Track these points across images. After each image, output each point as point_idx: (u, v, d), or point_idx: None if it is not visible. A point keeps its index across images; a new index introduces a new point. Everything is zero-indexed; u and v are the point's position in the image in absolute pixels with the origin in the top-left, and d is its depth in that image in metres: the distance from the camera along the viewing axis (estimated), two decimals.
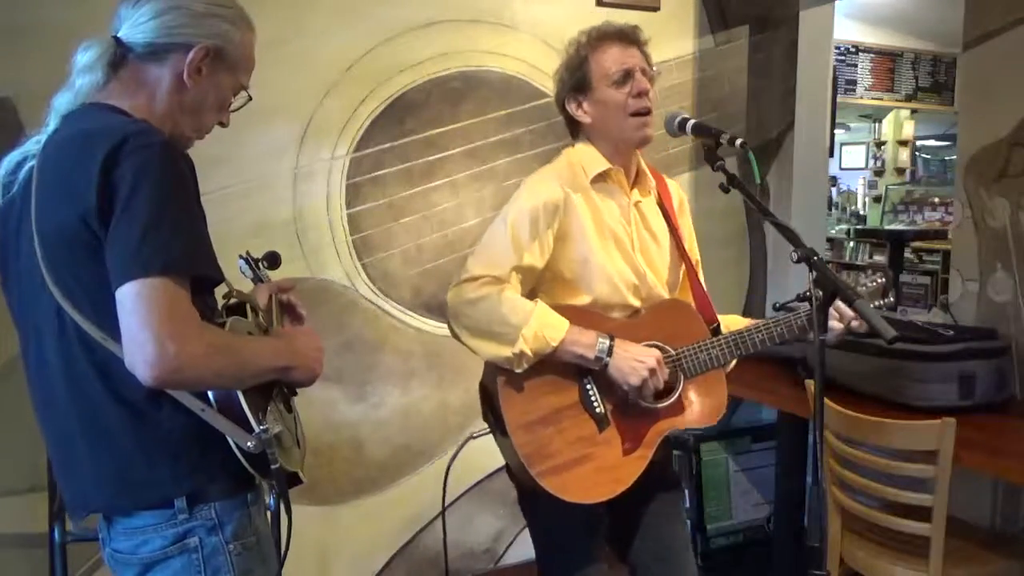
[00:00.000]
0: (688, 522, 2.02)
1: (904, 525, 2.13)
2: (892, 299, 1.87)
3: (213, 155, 2.48)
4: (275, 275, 1.74)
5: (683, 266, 1.88)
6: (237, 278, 1.58)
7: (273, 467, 1.22)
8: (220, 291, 1.48)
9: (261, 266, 1.70)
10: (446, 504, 2.94)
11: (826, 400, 2.10)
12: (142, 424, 1.22)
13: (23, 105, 2.24)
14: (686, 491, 3.25)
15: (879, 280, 1.86)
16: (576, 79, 1.76)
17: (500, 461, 1.82)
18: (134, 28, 1.27)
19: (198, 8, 1.28)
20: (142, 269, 1.11)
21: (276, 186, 2.65)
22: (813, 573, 1.38)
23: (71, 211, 1.15)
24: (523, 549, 3.06)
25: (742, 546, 3.32)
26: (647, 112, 1.73)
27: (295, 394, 1.43)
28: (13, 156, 1.29)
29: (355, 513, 2.83)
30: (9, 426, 2.31)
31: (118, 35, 1.29)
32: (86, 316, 1.19)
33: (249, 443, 1.21)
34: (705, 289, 1.89)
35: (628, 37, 1.76)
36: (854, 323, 1.73)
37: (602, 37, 1.76)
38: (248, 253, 1.70)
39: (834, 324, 1.75)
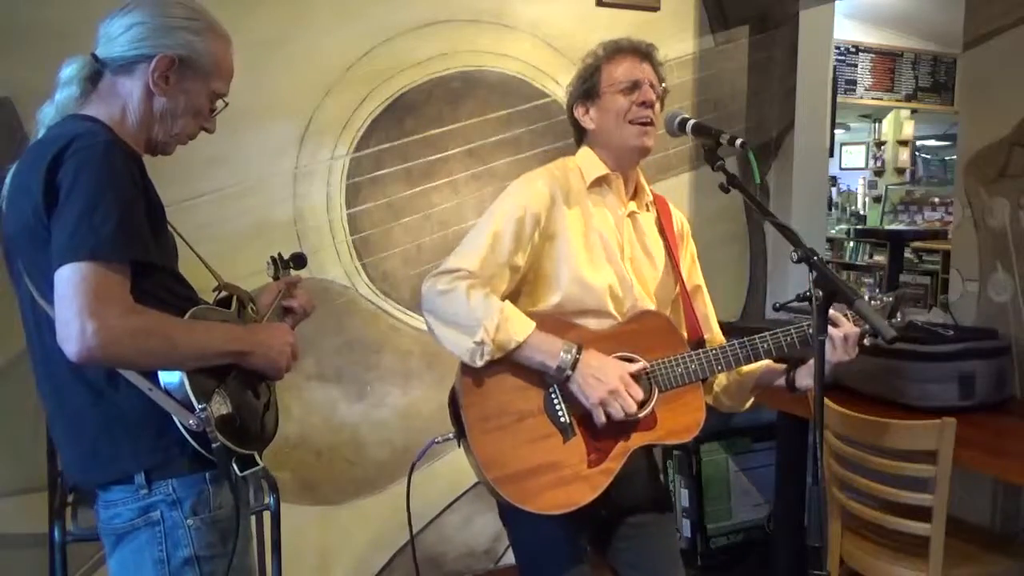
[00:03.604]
0: (677, 540, 1.94)
1: (904, 525, 2.13)
2: (900, 319, 1.73)
3: (213, 155, 2.48)
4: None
5: (677, 288, 1.84)
6: (237, 276, 1.60)
7: (214, 445, 1.30)
8: (211, 284, 1.56)
9: (288, 266, 1.80)
10: (449, 503, 2.95)
11: (826, 400, 2.10)
12: (103, 404, 1.31)
13: (23, 105, 2.24)
14: (681, 493, 3.26)
15: (886, 299, 1.72)
16: (586, 87, 1.77)
17: None
18: (108, 44, 1.38)
19: (162, 21, 1.38)
20: (73, 254, 1.20)
21: (276, 186, 2.65)
22: (813, 573, 1.37)
23: (27, 207, 1.27)
24: None
25: (742, 546, 3.32)
26: (648, 122, 1.72)
27: (262, 380, 1.49)
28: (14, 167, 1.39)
29: (355, 513, 2.84)
30: (9, 426, 2.31)
31: (95, 52, 1.39)
32: (49, 303, 1.27)
33: (190, 421, 1.29)
34: (700, 313, 1.85)
35: (642, 53, 1.77)
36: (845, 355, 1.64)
37: (617, 50, 1.77)
38: (279, 254, 1.80)
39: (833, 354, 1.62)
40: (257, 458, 1.41)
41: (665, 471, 3.32)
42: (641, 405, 1.65)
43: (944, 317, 2.87)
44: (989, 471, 2.32)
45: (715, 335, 1.89)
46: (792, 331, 1.67)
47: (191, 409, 1.29)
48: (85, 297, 1.19)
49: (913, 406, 2.39)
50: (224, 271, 1.61)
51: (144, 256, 1.29)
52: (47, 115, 1.39)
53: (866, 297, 1.69)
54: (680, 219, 1.92)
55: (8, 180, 1.37)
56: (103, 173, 1.24)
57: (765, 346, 1.68)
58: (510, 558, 3.08)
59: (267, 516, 2.30)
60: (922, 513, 2.09)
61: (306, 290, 1.75)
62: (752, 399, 1.86)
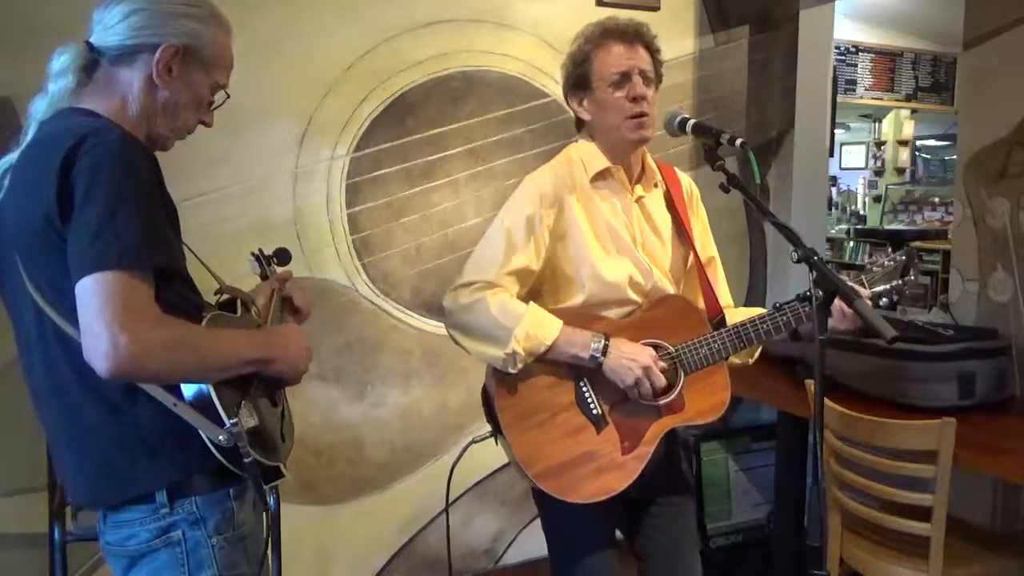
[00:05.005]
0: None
1: (904, 525, 2.13)
2: (913, 276, 1.76)
3: (213, 155, 2.48)
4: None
5: (691, 258, 1.86)
6: (236, 276, 1.59)
7: (246, 460, 1.23)
8: (213, 287, 1.51)
9: (272, 262, 1.73)
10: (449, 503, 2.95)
11: (826, 400, 2.10)
12: (120, 420, 1.24)
13: (23, 105, 2.23)
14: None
15: (898, 258, 1.76)
16: (577, 75, 1.76)
17: (500, 461, 1.82)
18: (105, 32, 1.30)
19: (165, 9, 1.30)
20: (96, 263, 1.13)
21: (276, 186, 2.65)
22: (813, 573, 1.38)
23: (36, 210, 1.18)
24: (523, 549, 3.06)
25: (742, 546, 3.32)
26: (643, 115, 1.72)
27: (278, 387, 1.44)
28: (1, 164, 1.33)
29: (355, 513, 2.83)
30: (9, 426, 2.31)
31: (90, 40, 1.31)
32: (60, 313, 1.20)
33: (220, 436, 1.22)
34: (714, 283, 1.87)
35: (631, 35, 1.73)
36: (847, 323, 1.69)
37: (606, 34, 1.73)
38: (260, 250, 1.73)
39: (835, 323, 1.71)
40: (283, 469, 1.35)
41: None
42: (669, 388, 1.72)
43: (944, 317, 2.87)
44: (989, 471, 2.32)
45: (730, 305, 1.91)
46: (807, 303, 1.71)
47: (220, 424, 1.22)
48: (113, 308, 1.11)
49: (913, 406, 2.39)
50: (224, 271, 1.60)
51: (168, 262, 1.22)
52: (39, 108, 1.32)
53: (878, 260, 1.76)
54: (688, 184, 1.92)
55: (5, 179, 1.29)
56: (120, 173, 1.16)
57: (784, 319, 1.73)
58: (510, 558, 3.09)
59: (267, 516, 2.29)
60: (922, 513, 2.09)
61: (303, 289, 1.70)
62: (760, 349, 1.89)
